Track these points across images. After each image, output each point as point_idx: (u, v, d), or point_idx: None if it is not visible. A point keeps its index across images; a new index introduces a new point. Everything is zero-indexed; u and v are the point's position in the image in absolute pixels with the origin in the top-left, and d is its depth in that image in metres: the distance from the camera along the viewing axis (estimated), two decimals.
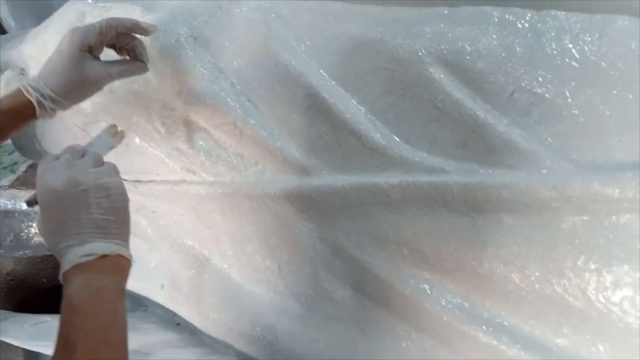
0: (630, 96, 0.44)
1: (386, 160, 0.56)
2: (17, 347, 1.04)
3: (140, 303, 1.04)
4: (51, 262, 1.32)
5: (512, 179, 0.47)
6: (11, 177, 1.28)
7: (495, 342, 0.49)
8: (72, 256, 0.46)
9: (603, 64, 0.45)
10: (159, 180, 0.85)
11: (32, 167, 1.28)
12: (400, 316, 0.58)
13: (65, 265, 0.47)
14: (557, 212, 0.45)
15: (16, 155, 1.28)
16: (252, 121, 0.66)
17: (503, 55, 0.49)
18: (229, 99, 0.66)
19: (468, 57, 0.50)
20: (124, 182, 0.54)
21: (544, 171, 0.47)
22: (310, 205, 0.63)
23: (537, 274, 0.47)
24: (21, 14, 1.39)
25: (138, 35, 0.67)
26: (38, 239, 1.28)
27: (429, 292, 0.54)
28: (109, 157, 0.58)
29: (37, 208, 0.53)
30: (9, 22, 1.40)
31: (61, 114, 0.68)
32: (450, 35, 0.51)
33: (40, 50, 0.90)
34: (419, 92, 0.53)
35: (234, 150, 0.71)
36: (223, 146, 0.72)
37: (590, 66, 0.45)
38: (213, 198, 0.75)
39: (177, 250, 0.85)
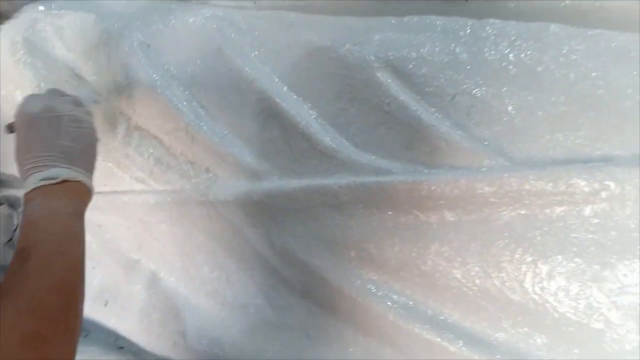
0: (562, 97, 0.47)
1: (336, 163, 0.57)
2: None
3: (82, 328, 0.99)
4: None
5: (453, 176, 0.49)
6: None
7: (438, 339, 0.49)
8: (34, 179, 0.49)
9: (538, 68, 0.48)
10: (106, 191, 0.83)
11: None
12: (347, 321, 0.58)
13: (27, 187, 0.49)
14: (495, 207, 0.47)
15: None
16: (204, 127, 0.66)
17: (446, 60, 0.51)
18: (180, 105, 0.66)
19: (413, 63, 0.52)
20: None
21: (483, 169, 0.49)
22: (261, 209, 0.63)
23: (477, 268, 0.48)
24: None
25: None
26: None
27: (375, 292, 0.54)
28: None
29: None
30: None
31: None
32: (397, 42, 0.54)
33: None
34: (368, 97, 0.55)
35: (184, 157, 0.71)
36: (174, 154, 0.72)
37: (526, 70, 0.48)
38: (162, 207, 0.74)
39: (122, 265, 0.82)
